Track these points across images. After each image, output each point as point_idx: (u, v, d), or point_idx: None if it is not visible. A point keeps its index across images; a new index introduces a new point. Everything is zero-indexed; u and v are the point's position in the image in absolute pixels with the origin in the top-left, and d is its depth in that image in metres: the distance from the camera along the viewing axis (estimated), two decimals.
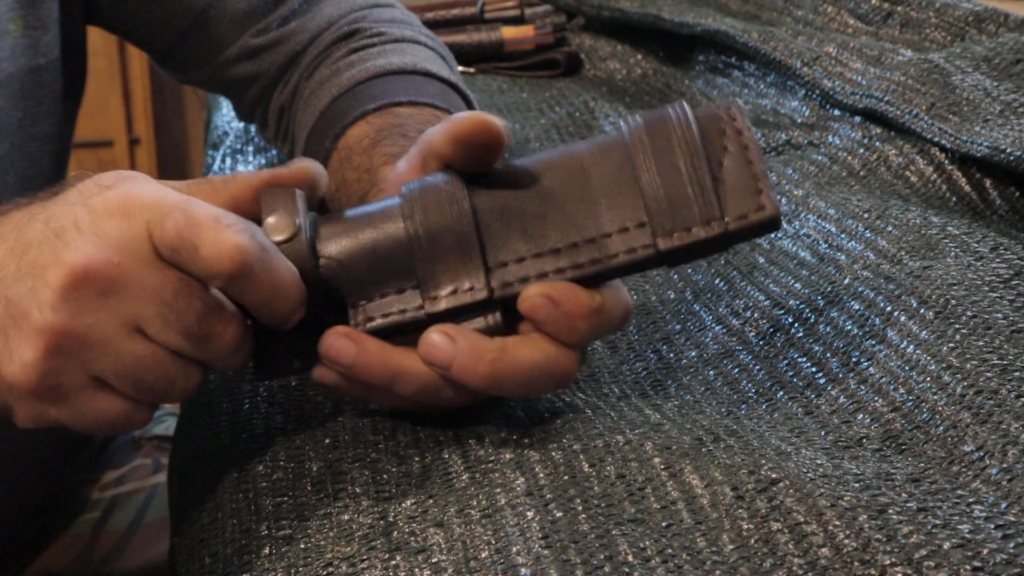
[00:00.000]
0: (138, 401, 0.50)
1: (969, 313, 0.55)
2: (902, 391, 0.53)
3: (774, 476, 0.46)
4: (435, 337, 0.50)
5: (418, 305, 0.51)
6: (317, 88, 0.76)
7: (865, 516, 0.43)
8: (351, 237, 0.52)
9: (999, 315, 0.55)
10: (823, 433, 0.52)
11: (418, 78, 0.74)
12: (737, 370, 0.59)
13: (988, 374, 0.51)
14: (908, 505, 0.44)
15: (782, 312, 0.62)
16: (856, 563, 0.41)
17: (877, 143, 0.80)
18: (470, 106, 0.76)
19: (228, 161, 0.97)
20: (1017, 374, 0.51)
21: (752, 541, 0.44)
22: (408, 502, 0.49)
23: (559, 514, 0.46)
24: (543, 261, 0.51)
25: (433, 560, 0.45)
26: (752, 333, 0.61)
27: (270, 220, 0.51)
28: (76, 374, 0.48)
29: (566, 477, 0.48)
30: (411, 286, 0.52)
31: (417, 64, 0.75)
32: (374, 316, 0.52)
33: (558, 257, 0.51)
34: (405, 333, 0.51)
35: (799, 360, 0.58)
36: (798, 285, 0.64)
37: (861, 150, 0.79)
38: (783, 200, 0.74)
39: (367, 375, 0.51)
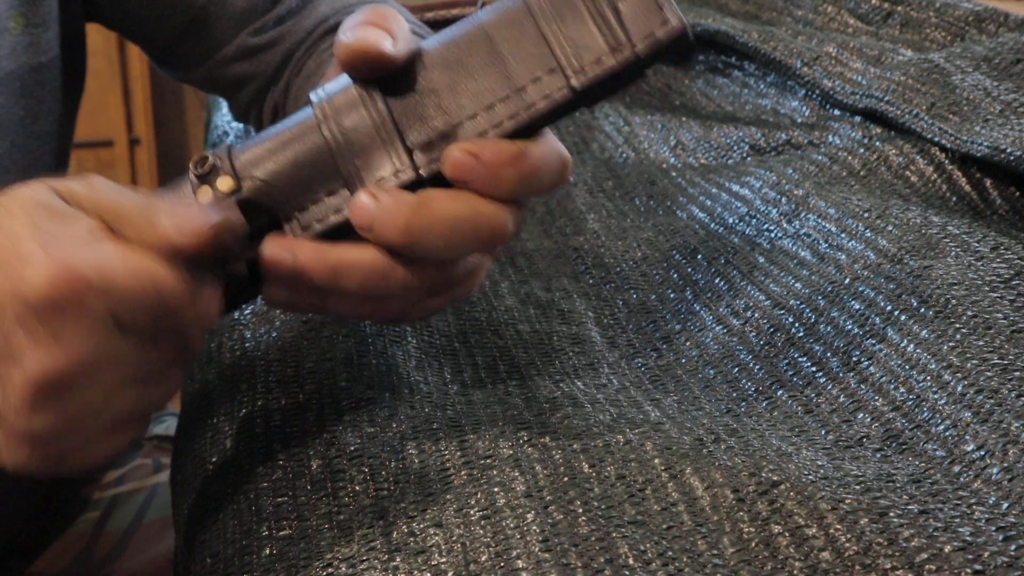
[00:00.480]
0: (142, 417, 0.49)
1: (970, 313, 0.55)
2: (902, 390, 0.53)
3: (775, 478, 0.46)
4: (360, 197, 0.49)
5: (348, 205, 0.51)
6: (304, 83, 0.76)
7: (866, 519, 0.43)
8: (271, 154, 0.52)
9: (999, 315, 0.55)
10: (823, 432, 0.52)
11: None
12: (737, 369, 0.59)
13: (988, 373, 0.51)
14: (909, 507, 0.44)
15: (782, 312, 0.62)
16: (857, 567, 0.41)
17: (877, 143, 0.79)
18: None
19: None
20: (1017, 373, 0.51)
21: (753, 544, 0.44)
22: (407, 500, 0.49)
23: (559, 516, 0.46)
24: (463, 129, 0.51)
25: (432, 562, 0.45)
26: (752, 333, 0.61)
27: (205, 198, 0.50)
28: (77, 442, 0.47)
29: (566, 478, 0.48)
30: (340, 186, 0.51)
31: None
32: (309, 223, 0.51)
33: (475, 121, 0.51)
34: (344, 235, 0.51)
35: (799, 359, 0.58)
36: (798, 285, 0.64)
37: (861, 150, 0.79)
38: (783, 200, 0.74)
39: (309, 275, 0.49)
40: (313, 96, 0.52)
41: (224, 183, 0.51)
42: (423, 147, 0.51)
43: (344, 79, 0.52)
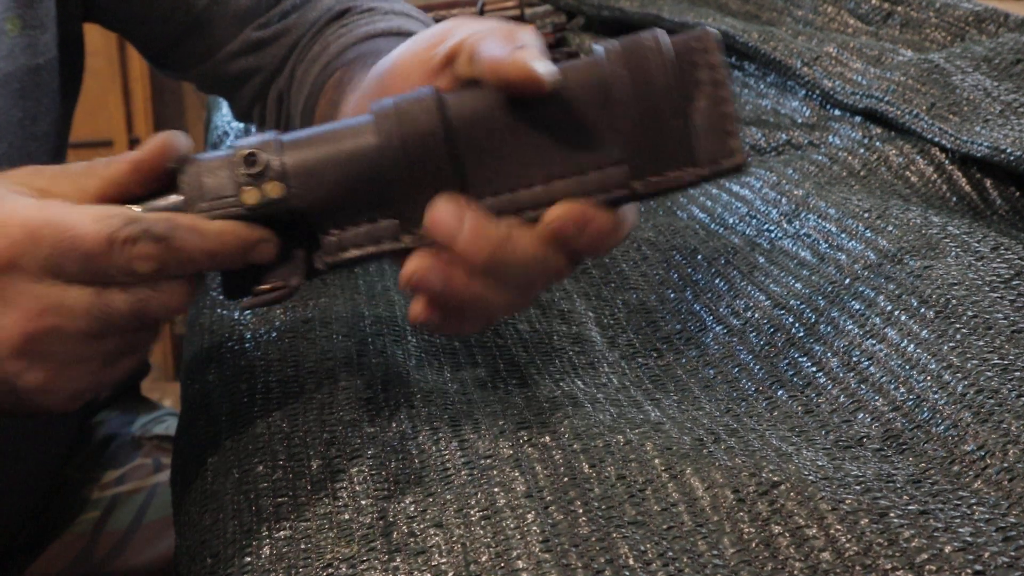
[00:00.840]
0: (133, 351, 0.52)
1: (970, 313, 0.55)
2: (902, 390, 0.53)
3: (775, 479, 0.46)
4: (445, 211, 0.49)
5: (394, 236, 0.51)
6: (309, 66, 0.76)
7: (866, 520, 0.43)
8: (324, 165, 0.50)
9: (1000, 315, 0.55)
10: (824, 432, 0.52)
11: (400, 39, 0.74)
12: (737, 369, 0.59)
13: (989, 373, 0.51)
14: (909, 508, 0.44)
15: (782, 312, 0.62)
16: (858, 567, 0.41)
17: (877, 143, 0.79)
18: None
19: None
20: (1018, 374, 0.51)
21: (753, 545, 0.44)
22: (407, 500, 0.49)
23: (559, 516, 0.46)
24: (519, 196, 0.50)
25: (433, 563, 0.45)
26: (752, 333, 0.61)
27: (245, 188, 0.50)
28: (81, 381, 0.50)
29: (566, 479, 0.48)
30: (388, 215, 0.51)
31: (402, 27, 0.75)
32: (347, 246, 0.51)
33: (533, 191, 0.50)
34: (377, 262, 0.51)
35: (799, 359, 0.58)
36: (799, 285, 0.64)
37: (861, 150, 0.79)
38: (783, 200, 0.74)
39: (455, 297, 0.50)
40: (376, 107, 0.51)
41: (273, 189, 0.50)
42: (478, 199, 0.50)
43: (411, 99, 0.50)
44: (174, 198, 0.50)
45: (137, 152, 0.51)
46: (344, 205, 0.51)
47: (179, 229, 0.49)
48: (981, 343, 0.53)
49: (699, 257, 0.70)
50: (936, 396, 0.51)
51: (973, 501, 0.45)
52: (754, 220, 0.73)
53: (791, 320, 0.61)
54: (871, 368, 0.55)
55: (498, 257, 0.50)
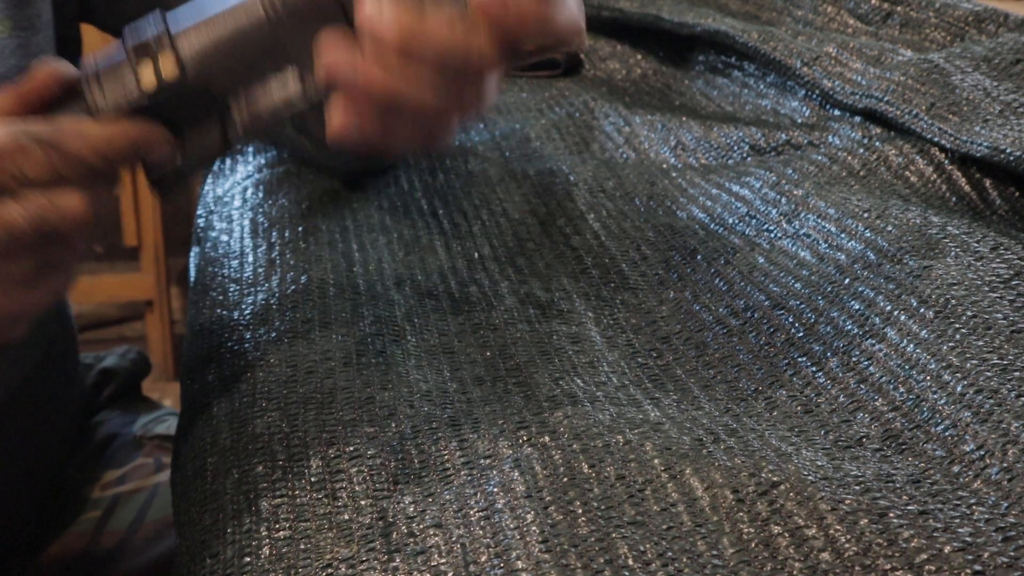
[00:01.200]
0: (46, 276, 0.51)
1: (969, 313, 0.55)
2: (902, 390, 0.53)
3: (775, 479, 0.46)
4: (366, 5, 0.49)
5: (300, 80, 0.51)
6: None
7: (866, 520, 0.43)
8: (213, 38, 0.51)
9: (999, 315, 0.55)
10: (823, 432, 0.52)
11: None
12: (736, 369, 0.59)
13: (988, 373, 0.51)
14: (909, 508, 0.44)
15: (782, 312, 0.62)
16: (857, 568, 0.41)
17: (877, 143, 0.79)
18: None
19: (228, 161, 0.97)
20: (1017, 374, 0.51)
21: (753, 545, 0.44)
22: (406, 501, 0.49)
23: (559, 517, 0.46)
24: None
25: (432, 563, 0.45)
26: (752, 333, 0.61)
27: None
28: (8, 304, 0.50)
29: (565, 479, 0.48)
30: (288, 67, 0.51)
31: None
32: (257, 105, 0.52)
33: None
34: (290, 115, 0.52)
35: (799, 359, 0.58)
36: (798, 285, 0.64)
37: (861, 150, 0.79)
38: (783, 200, 0.74)
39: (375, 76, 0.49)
40: None
41: (168, 70, 0.50)
42: None
43: None
44: (79, 107, 0.51)
45: (21, 84, 0.51)
46: (245, 73, 0.51)
47: (63, 132, 0.49)
48: (980, 343, 0.53)
49: (699, 257, 0.70)
50: (935, 396, 0.51)
51: (973, 501, 0.45)
52: (754, 220, 0.73)
53: (790, 320, 0.61)
54: (870, 368, 0.55)
55: (414, 34, 0.48)
